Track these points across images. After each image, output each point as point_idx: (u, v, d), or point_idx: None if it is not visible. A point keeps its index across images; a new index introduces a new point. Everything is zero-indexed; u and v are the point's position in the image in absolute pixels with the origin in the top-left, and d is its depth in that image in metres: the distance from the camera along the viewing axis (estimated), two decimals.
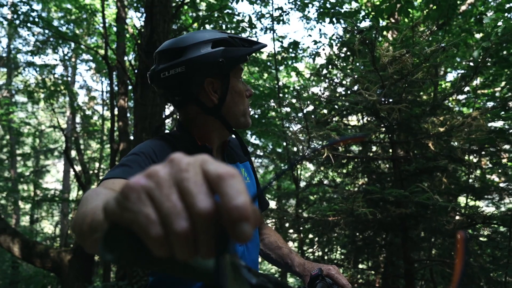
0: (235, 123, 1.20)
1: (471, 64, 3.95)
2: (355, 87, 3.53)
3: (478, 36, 5.39)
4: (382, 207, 2.92)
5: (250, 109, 1.23)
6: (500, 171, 3.50)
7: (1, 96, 12.23)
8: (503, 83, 4.71)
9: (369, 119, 3.36)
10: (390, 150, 3.36)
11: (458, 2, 4.57)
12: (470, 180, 3.84)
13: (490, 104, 5.19)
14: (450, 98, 4.80)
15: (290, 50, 7.29)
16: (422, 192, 2.51)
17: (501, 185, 3.96)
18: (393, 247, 3.32)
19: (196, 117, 1.20)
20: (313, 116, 3.13)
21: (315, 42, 5.17)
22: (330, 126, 2.71)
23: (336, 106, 3.24)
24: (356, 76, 3.32)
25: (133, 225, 0.37)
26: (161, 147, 1.12)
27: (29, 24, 8.17)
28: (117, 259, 0.40)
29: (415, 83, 3.02)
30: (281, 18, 6.73)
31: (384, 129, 3.26)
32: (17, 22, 8.01)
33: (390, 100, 3.24)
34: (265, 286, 0.47)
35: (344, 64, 4.21)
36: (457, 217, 3.18)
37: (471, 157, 3.47)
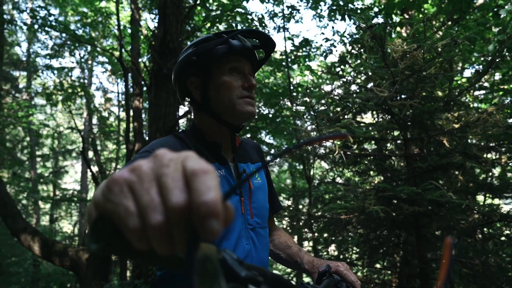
0: (230, 115, 1.20)
1: (489, 58, 3.85)
2: (369, 85, 3.49)
3: (495, 30, 5.26)
4: (395, 205, 2.87)
5: (252, 100, 1.22)
6: None
7: (21, 99, 12.52)
8: None
9: (381, 116, 3.31)
10: (404, 147, 3.30)
11: None
12: (489, 178, 3.74)
13: (508, 99, 5.06)
14: (468, 94, 4.70)
15: (302, 48, 7.25)
16: (435, 189, 2.46)
17: None
18: (408, 246, 3.27)
19: (196, 114, 1.28)
20: (325, 114, 3.10)
21: (327, 40, 5.13)
22: (340, 124, 2.68)
23: (348, 104, 3.20)
24: (369, 73, 3.28)
25: (114, 216, 0.38)
26: (172, 144, 1.17)
27: (47, 28, 8.35)
28: (102, 250, 0.41)
29: (428, 79, 2.96)
30: (293, 16, 6.71)
31: (397, 126, 3.21)
32: (36, 26, 8.20)
33: (403, 96, 3.19)
34: (254, 279, 0.46)
35: (358, 62, 4.16)
36: (475, 216, 3.11)
37: (489, 154, 3.38)
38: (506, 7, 3.51)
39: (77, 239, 13.52)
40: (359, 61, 3.83)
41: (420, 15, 4.64)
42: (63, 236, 14.74)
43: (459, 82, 4.70)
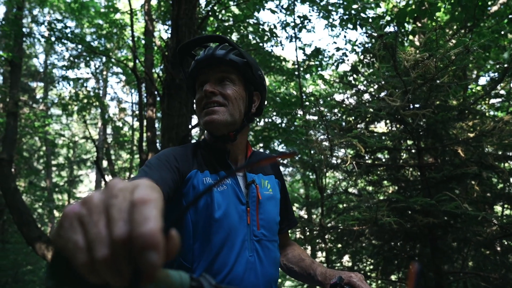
0: (205, 129, 1.23)
1: (505, 65, 3.78)
2: (382, 94, 3.45)
3: (511, 36, 5.17)
4: (409, 216, 2.81)
5: (210, 108, 1.19)
6: None
7: (38, 109, 12.78)
8: None
9: (394, 125, 3.26)
10: (417, 157, 3.24)
11: (489, 2, 4.41)
12: (506, 188, 3.64)
13: None
14: (483, 103, 4.61)
15: (314, 58, 7.24)
16: (450, 200, 2.40)
17: None
18: (423, 258, 3.19)
19: None
20: (337, 124, 3.08)
21: (338, 49, 5.11)
22: (352, 134, 2.65)
23: (361, 113, 3.17)
24: (382, 83, 3.24)
25: (65, 251, 0.37)
26: (182, 152, 1.20)
27: (63, 40, 8.54)
28: (59, 285, 0.40)
29: (441, 87, 2.92)
30: (305, 26, 6.72)
31: (410, 135, 3.16)
32: (53, 38, 8.39)
33: (416, 105, 3.14)
34: None
35: (371, 70, 4.13)
36: (493, 228, 3.02)
37: (506, 164, 3.30)
38: None
39: None
40: (371, 70, 3.81)
41: (433, 23, 4.60)
42: None
43: (473, 90, 4.62)
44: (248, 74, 1.24)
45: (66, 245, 0.37)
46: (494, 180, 3.75)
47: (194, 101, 1.27)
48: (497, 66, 5.11)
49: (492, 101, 5.20)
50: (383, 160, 3.70)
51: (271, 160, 0.52)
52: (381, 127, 3.87)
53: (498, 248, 3.02)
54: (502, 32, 3.84)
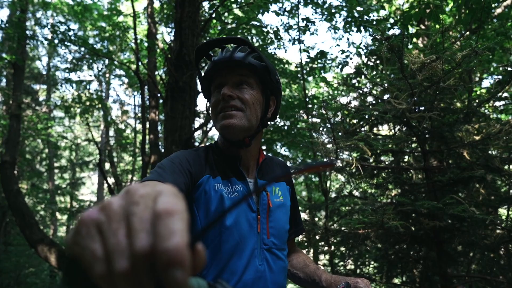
0: (221, 133, 1.21)
1: (509, 68, 3.77)
2: (385, 96, 3.44)
3: None
4: (415, 219, 2.79)
5: (227, 112, 1.17)
6: None
7: (41, 111, 12.81)
8: None
9: (399, 128, 3.25)
10: (423, 160, 3.23)
11: (493, 5, 4.40)
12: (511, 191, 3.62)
13: None
14: (487, 105, 4.60)
15: (318, 60, 7.24)
16: (456, 203, 2.39)
17: None
18: (428, 262, 3.17)
19: None
20: (341, 127, 3.06)
21: (342, 52, 5.11)
22: (358, 136, 2.63)
23: (366, 116, 3.16)
24: (386, 85, 3.23)
25: (82, 260, 0.36)
26: (195, 156, 1.18)
27: (66, 43, 8.56)
28: None
29: (447, 90, 2.91)
30: (309, 28, 6.72)
31: (415, 138, 3.14)
32: (56, 41, 8.41)
33: (421, 108, 3.13)
34: None
35: (374, 73, 4.12)
36: (498, 231, 3.00)
37: (511, 166, 3.28)
38: None
39: None
40: (375, 73, 3.80)
41: (437, 26, 4.59)
42: None
43: (478, 92, 4.61)
44: (266, 78, 1.21)
45: (83, 253, 0.35)
46: (498, 183, 3.73)
47: (209, 103, 1.25)
48: (501, 69, 5.09)
49: (497, 103, 5.18)
50: (387, 163, 3.68)
51: (307, 171, 0.51)
52: (384, 129, 3.86)
53: (504, 251, 3.00)
54: (507, 34, 3.83)
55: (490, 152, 3.14)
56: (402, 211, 2.66)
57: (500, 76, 4.74)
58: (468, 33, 3.01)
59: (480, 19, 2.66)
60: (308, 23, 6.69)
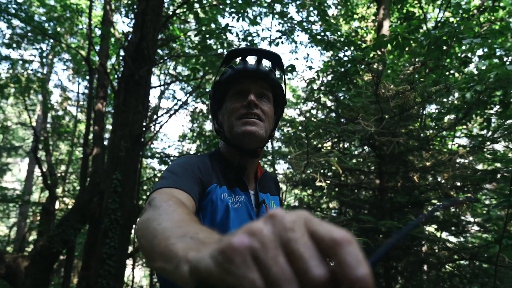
0: (233, 138, 1.19)
1: (456, 102, 4.12)
2: (346, 115, 3.60)
3: (457, 76, 5.65)
4: (372, 238, 2.95)
5: (251, 118, 1.16)
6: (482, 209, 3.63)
7: None
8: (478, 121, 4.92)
9: (363, 149, 3.42)
10: (379, 180, 3.42)
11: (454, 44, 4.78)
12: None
13: (466, 140, 5.42)
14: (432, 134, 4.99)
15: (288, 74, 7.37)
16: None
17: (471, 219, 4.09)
18: (379, 278, 3.35)
19: (220, 140, 1.29)
20: (309, 142, 3.16)
21: (310, 68, 5.30)
22: (332, 154, 2.73)
23: (331, 132, 3.28)
24: (351, 105, 3.39)
25: None
26: (204, 163, 1.17)
27: (8, 16, 7.86)
28: None
29: (410, 118, 3.12)
30: (282, 42, 6.80)
31: (375, 159, 3.33)
32: None
33: (383, 131, 3.32)
34: None
35: (343, 90, 4.27)
36: (445, 251, 3.26)
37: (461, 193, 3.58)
38: (480, 60, 3.80)
39: (13, 244, 12.53)
40: (340, 90, 3.95)
41: (395, 54, 4.90)
42: None
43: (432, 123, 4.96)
44: (280, 97, 1.27)
45: (240, 284, 0.34)
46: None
47: (225, 107, 1.22)
48: (446, 101, 5.53)
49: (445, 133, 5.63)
50: (346, 180, 3.84)
51: (455, 205, 0.53)
52: (345, 147, 4.03)
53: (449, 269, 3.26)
54: (460, 71, 4.21)
55: (440, 178, 3.42)
56: (363, 228, 2.80)
57: (443, 109, 5.15)
58: (435, 67, 3.27)
59: (447, 55, 2.91)
60: (279, 38, 6.77)
